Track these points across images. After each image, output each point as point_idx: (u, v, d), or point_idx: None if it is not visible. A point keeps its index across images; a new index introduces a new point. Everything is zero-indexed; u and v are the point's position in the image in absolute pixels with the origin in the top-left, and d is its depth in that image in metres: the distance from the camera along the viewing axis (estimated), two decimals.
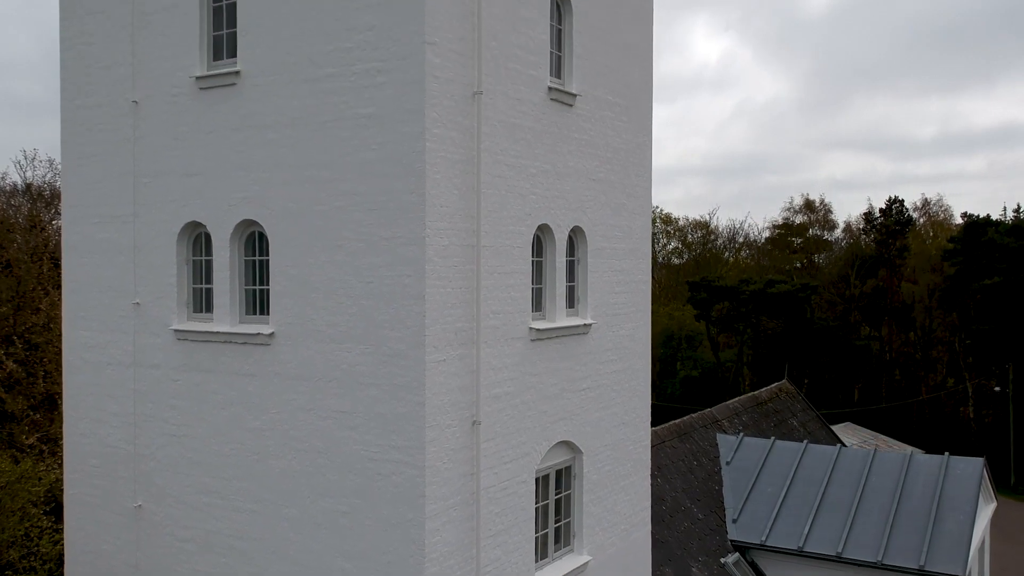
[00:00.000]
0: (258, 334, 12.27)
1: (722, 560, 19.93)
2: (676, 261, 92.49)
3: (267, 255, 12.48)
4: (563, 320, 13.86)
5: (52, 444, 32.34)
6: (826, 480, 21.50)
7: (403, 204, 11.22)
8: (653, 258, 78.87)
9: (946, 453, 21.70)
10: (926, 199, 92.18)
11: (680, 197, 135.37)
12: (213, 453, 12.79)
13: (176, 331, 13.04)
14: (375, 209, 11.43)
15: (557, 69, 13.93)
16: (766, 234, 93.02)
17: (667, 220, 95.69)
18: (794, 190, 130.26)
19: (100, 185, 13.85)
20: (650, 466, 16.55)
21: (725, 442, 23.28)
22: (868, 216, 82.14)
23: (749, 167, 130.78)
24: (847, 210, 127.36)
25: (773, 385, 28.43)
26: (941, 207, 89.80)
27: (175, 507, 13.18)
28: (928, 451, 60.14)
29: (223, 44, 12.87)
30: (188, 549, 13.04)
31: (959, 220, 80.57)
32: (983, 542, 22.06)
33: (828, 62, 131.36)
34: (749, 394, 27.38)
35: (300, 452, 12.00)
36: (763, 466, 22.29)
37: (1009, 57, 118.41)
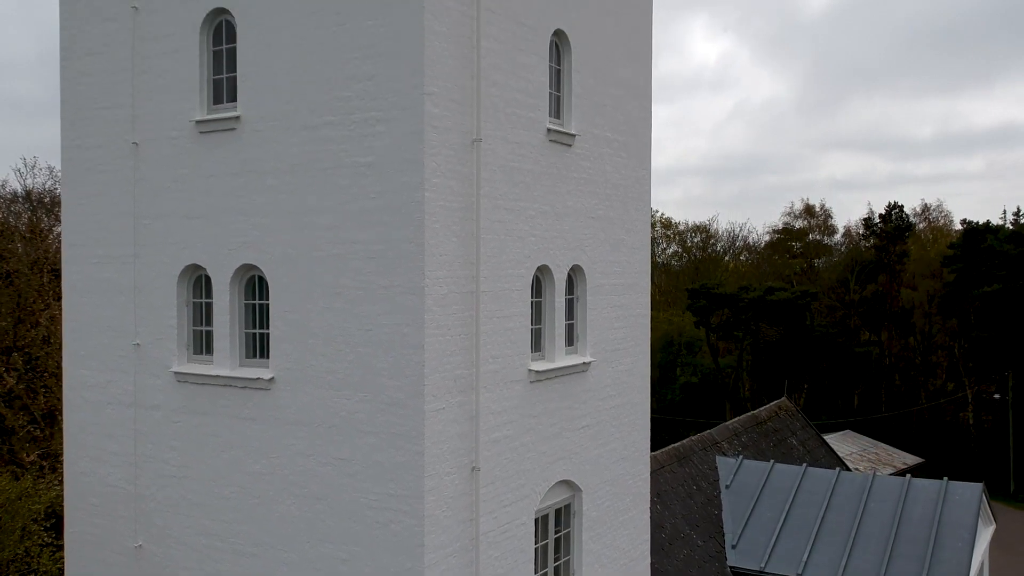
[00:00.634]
0: (258, 379, 12.30)
1: None
2: (676, 265, 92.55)
3: (267, 299, 12.52)
4: (562, 360, 13.90)
5: (52, 459, 32.39)
6: (825, 504, 21.55)
7: (402, 253, 11.26)
8: (653, 263, 79.09)
9: (945, 478, 21.74)
10: (926, 204, 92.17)
11: (679, 197, 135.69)
12: (214, 495, 12.83)
13: (176, 373, 13.08)
14: (374, 257, 11.47)
15: (556, 109, 13.96)
16: (766, 238, 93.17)
17: (667, 224, 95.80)
18: (794, 190, 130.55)
19: (101, 225, 13.89)
20: (649, 499, 16.59)
21: (724, 465, 23.32)
22: (868, 221, 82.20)
23: (749, 167, 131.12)
24: (847, 210, 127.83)
25: (772, 403, 28.47)
26: (941, 212, 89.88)
27: (176, 548, 13.22)
28: (927, 459, 60.23)
29: (223, 88, 12.90)
30: None
31: (959, 226, 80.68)
32: (982, 565, 22.10)
33: (826, 63, 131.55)
34: (748, 414, 27.43)
35: (300, 498, 12.04)
36: (762, 490, 22.33)
37: (1009, 57, 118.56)
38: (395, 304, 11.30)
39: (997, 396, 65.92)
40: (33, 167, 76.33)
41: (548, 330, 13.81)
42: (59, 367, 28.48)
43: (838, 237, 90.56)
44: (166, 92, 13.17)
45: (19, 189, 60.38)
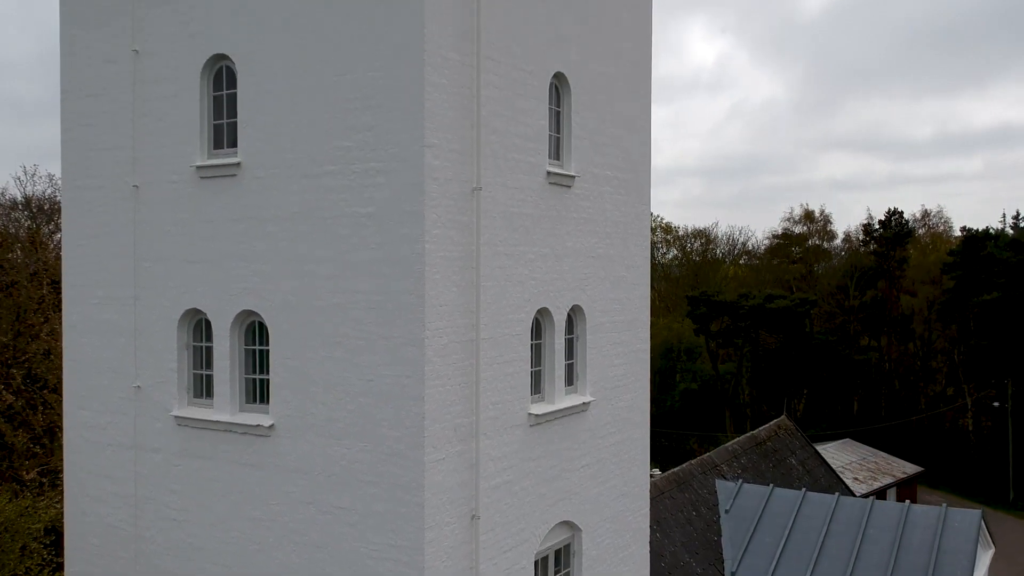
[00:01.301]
0: (258, 426, 12.32)
1: None
2: (676, 271, 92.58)
3: (268, 344, 12.53)
4: (562, 401, 13.92)
5: (52, 476, 32.38)
6: (824, 530, 21.58)
7: (402, 305, 11.28)
8: (652, 268, 79.11)
9: (944, 505, 21.78)
10: (926, 210, 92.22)
11: (678, 198, 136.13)
12: (214, 540, 12.85)
13: (177, 417, 13.10)
14: (374, 308, 11.49)
15: (556, 151, 13.98)
16: (765, 243, 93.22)
17: (667, 229, 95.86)
18: (793, 190, 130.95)
19: (101, 266, 13.90)
20: (649, 532, 16.62)
21: (724, 489, 23.36)
22: (867, 227, 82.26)
23: (748, 167, 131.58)
24: (846, 210, 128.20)
25: (771, 422, 28.52)
26: (941, 218, 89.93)
27: None
28: (927, 468, 60.30)
29: (224, 133, 12.92)
30: None
31: (958, 232, 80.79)
32: None
33: (824, 64, 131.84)
34: (748, 434, 27.47)
35: (300, 545, 12.06)
36: (762, 515, 22.36)
37: (1009, 57, 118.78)
38: (395, 355, 11.32)
39: (996, 404, 65.96)
40: (33, 175, 76.37)
41: (548, 371, 13.83)
42: (59, 381, 28.52)
43: (838, 242, 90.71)
44: (166, 136, 13.18)
45: (19, 196, 60.45)
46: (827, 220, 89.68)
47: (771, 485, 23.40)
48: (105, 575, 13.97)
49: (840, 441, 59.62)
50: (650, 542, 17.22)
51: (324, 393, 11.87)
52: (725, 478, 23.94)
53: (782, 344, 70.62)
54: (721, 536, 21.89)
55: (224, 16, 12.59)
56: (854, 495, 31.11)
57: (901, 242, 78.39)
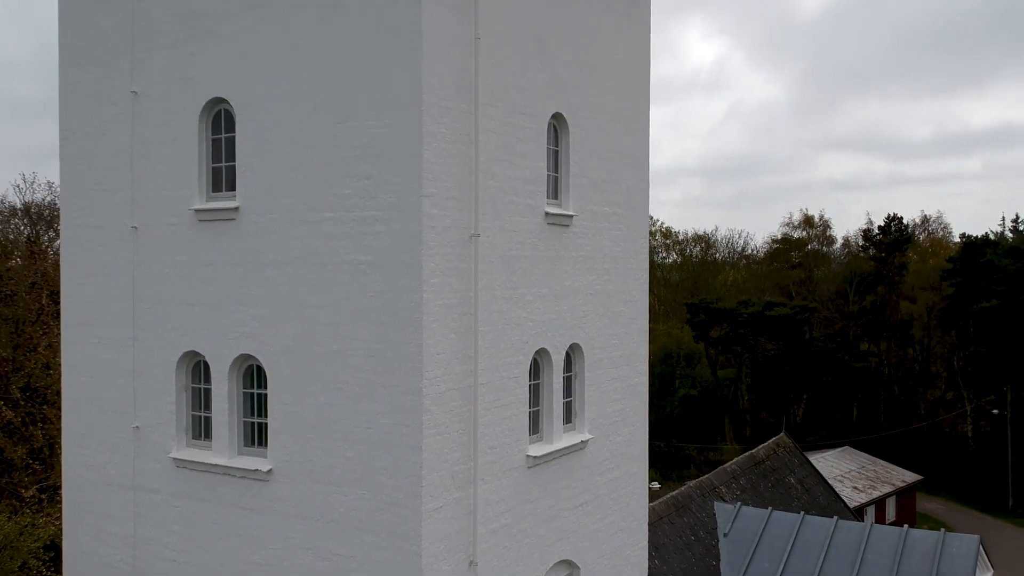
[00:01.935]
0: (256, 470, 12.34)
1: None
2: (675, 275, 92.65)
3: (267, 388, 12.55)
4: (560, 440, 13.94)
5: (51, 492, 32.38)
6: (823, 555, 21.61)
7: (401, 354, 11.31)
8: (652, 273, 79.20)
9: (942, 530, 21.81)
10: (926, 216, 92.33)
11: (677, 198, 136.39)
12: None
13: (175, 459, 13.12)
14: (373, 356, 11.52)
15: (554, 190, 14.00)
16: (765, 248, 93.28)
17: (667, 234, 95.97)
18: (793, 191, 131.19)
19: (100, 306, 13.92)
20: (647, 564, 16.64)
21: (723, 512, 23.38)
22: (867, 233, 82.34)
23: (747, 168, 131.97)
24: (845, 211, 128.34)
25: (770, 440, 28.57)
26: (940, 224, 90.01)
27: None
28: (926, 475, 60.31)
29: (222, 176, 12.94)
30: None
31: (958, 238, 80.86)
32: None
33: (821, 64, 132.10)
34: (747, 454, 27.51)
35: None
36: (760, 539, 22.38)
37: (1009, 57, 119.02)
38: (394, 404, 11.35)
39: (995, 412, 65.99)
40: (32, 182, 76.45)
41: (546, 411, 13.85)
42: (58, 395, 28.52)
43: (837, 248, 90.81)
44: (165, 178, 13.20)
45: (18, 203, 60.50)
46: (826, 225, 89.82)
47: (770, 508, 23.42)
48: None
49: (839, 449, 59.65)
50: (649, 570, 17.25)
51: (322, 439, 11.90)
52: (724, 500, 23.97)
53: (781, 351, 70.64)
54: (719, 560, 21.91)
55: (223, 60, 12.61)
56: (852, 513, 31.17)
57: (900, 248, 78.47)
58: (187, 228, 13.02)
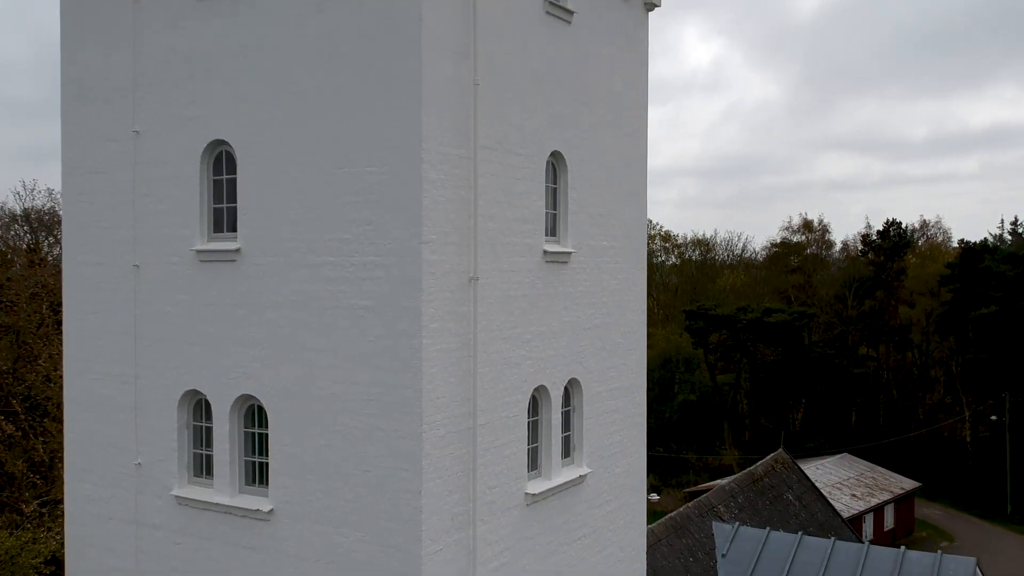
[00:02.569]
0: (257, 510, 12.45)
1: None
2: (674, 279, 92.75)
3: (268, 428, 12.65)
4: (559, 476, 14.04)
5: (52, 506, 32.46)
6: None
7: (400, 399, 11.41)
8: (650, 277, 79.36)
9: (939, 552, 21.92)
10: (925, 221, 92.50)
11: (675, 197, 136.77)
12: None
13: (177, 497, 13.22)
14: (372, 400, 11.62)
15: (552, 228, 14.10)
16: (763, 252, 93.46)
17: (666, 237, 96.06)
18: (792, 191, 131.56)
19: (102, 342, 14.01)
20: None
21: (721, 532, 23.49)
22: (866, 238, 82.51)
23: (746, 168, 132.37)
24: (844, 210, 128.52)
25: (768, 457, 28.69)
26: (940, 229, 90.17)
27: None
28: (925, 482, 60.44)
29: (224, 216, 13.03)
30: None
31: (956, 243, 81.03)
32: None
33: (819, 65, 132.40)
34: (745, 471, 27.63)
35: None
36: (758, 559, 22.48)
37: (1009, 57, 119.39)
38: (393, 448, 11.45)
39: (994, 418, 66.11)
40: (32, 189, 76.66)
41: (545, 447, 13.96)
42: (59, 407, 28.58)
43: (836, 252, 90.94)
44: (167, 217, 13.30)
45: (18, 210, 60.63)
46: (825, 229, 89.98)
47: (767, 529, 23.54)
48: None
49: (838, 456, 59.78)
50: None
51: (322, 481, 12.00)
52: (722, 519, 24.08)
53: (780, 357, 70.75)
54: None
55: (224, 103, 12.70)
56: (850, 527, 31.30)
57: (899, 253, 78.61)
58: (188, 268, 13.11)
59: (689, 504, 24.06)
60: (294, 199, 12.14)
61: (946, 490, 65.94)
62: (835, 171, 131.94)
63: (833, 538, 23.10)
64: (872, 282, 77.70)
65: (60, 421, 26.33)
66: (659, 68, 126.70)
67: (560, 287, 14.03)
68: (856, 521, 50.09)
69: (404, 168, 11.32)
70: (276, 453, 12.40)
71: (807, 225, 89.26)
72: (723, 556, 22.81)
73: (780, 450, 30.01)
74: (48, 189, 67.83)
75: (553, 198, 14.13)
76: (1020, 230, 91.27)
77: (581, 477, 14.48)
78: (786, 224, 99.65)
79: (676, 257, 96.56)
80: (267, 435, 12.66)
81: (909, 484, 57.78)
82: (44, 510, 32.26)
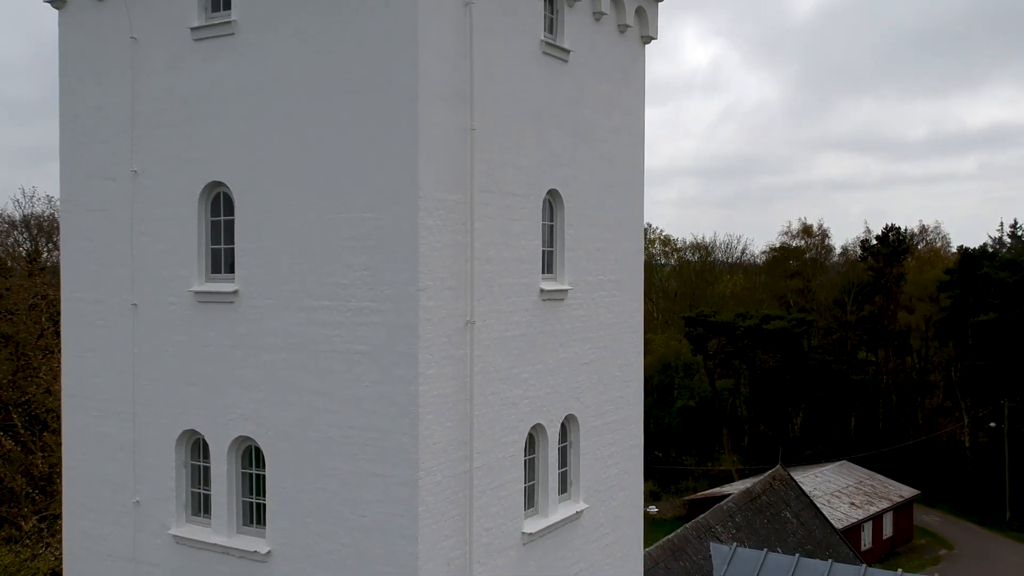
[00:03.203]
0: (255, 551, 12.49)
1: None
2: (673, 284, 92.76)
3: (265, 468, 12.69)
4: (556, 513, 14.08)
5: (51, 521, 32.48)
6: None
7: (396, 444, 11.45)
8: (649, 282, 79.35)
9: (936, 574, 21.98)
10: (924, 226, 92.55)
11: (674, 197, 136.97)
12: None
13: (175, 536, 13.26)
14: (368, 444, 11.66)
15: (549, 265, 14.14)
16: (763, 257, 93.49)
17: (665, 241, 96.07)
18: (790, 190, 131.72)
19: (100, 379, 14.05)
20: None
21: (719, 553, 23.55)
22: (865, 243, 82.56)
23: (745, 168, 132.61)
24: (843, 211, 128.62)
25: (766, 474, 28.73)
26: (939, 234, 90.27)
27: None
28: (923, 489, 60.52)
29: (221, 257, 13.07)
30: None
31: (955, 248, 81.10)
32: None
33: (817, 66, 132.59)
34: (743, 489, 27.67)
35: None
36: None
37: (1009, 57, 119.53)
38: (389, 494, 11.49)
39: (993, 425, 66.18)
40: (32, 196, 76.71)
41: (541, 484, 14.00)
42: (58, 420, 28.60)
43: (835, 256, 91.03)
44: (165, 257, 13.34)
45: (17, 217, 60.70)
46: (824, 234, 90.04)
47: (765, 550, 23.60)
48: None
49: (837, 464, 59.86)
50: None
51: (319, 524, 12.05)
52: (720, 540, 24.13)
53: (779, 363, 70.79)
54: None
55: (222, 144, 12.74)
56: (847, 543, 31.35)
57: (898, 258, 78.66)
58: (186, 308, 13.15)
59: (687, 525, 24.11)
60: (292, 242, 12.18)
61: (945, 496, 66.02)
62: (834, 171, 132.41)
63: (831, 560, 23.15)
64: (871, 287, 77.77)
65: (59, 434, 26.39)
66: (658, 68, 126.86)
67: (557, 324, 14.07)
68: (855, 529, 50.18)
69: (401, 214, 11.37)
70: (274, 495, 12.45)
71: (806, 230, 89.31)
72: None
73: (778, 466, 30.05)
74: (48, 196, 67.82)
75: (550, 235, 14.18)
76: (1019, 233, 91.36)
77: (578, 513, 14.52)
78: (785, 228, 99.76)
79: (675, 261, 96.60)
80: (265, 476, 12.71)
81: (908, 492, 57.86)
82: (43, 525, 32.30)
